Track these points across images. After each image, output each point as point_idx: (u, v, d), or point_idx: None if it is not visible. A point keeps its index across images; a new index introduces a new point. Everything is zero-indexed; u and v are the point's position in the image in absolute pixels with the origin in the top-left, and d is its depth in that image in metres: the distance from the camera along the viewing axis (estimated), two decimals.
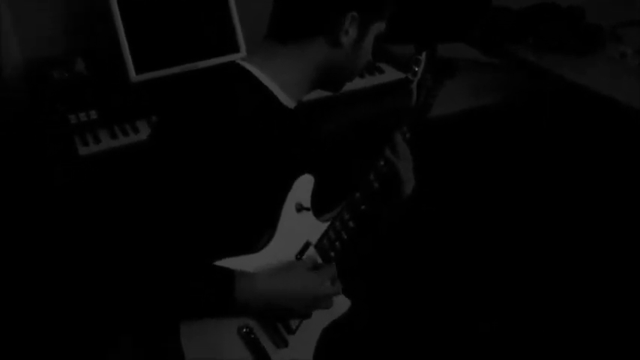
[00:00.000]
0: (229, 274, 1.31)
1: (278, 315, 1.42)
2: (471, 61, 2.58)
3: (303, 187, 1.46)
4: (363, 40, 1.41)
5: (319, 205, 1.51)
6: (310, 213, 1.48)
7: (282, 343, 1.43)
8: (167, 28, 2.34)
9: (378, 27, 1.42)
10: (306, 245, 1.46)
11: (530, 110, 2.48)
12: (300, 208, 1.45)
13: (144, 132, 2.14)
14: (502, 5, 2.56)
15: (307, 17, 1.38)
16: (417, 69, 1.59)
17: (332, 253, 1.51)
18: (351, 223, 1.53)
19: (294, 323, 1.45)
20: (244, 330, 1.37)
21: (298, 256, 1.45)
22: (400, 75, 2.37)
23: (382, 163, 1.56)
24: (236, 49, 2.35)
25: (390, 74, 2.41)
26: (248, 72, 1.39)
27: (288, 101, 1.42)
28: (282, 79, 1.40)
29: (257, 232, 1.41)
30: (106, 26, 2.30)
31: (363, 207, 1.55)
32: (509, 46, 2.47)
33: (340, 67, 1.42)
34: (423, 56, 1.60)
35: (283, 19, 1.40)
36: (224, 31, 2.38)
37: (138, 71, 2.29)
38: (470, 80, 2.48)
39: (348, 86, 2.28)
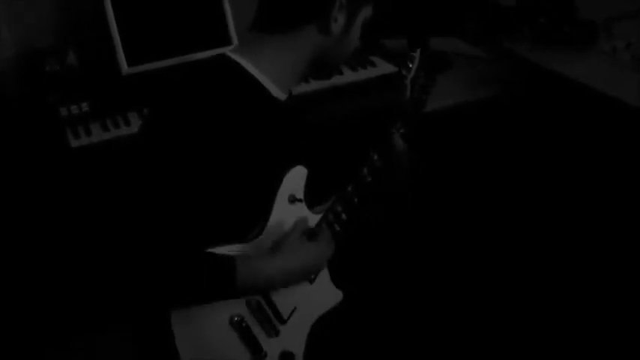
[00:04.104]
0: (229, 259, 1.31)
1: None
2: (464, 55, 2.58)
3: (296, 178, 1.46)
4: (351, 27, 1.40)
5: (312, 197, 1.51)
6: (303, 204, 1.48)
7: (273, 332, 1.43)
8: (159, 20, 2.33)
9: (365, 12, 1.42)
10: None
11: (524, 104, 2.48)
12: (292, 200, 1.45)
13: (135, 124, 2.13)
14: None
15: (296, 7, 1.37)
16: (411, 65, 1.59)
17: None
18: (343, 216, 1.53)
19: (285, 313, 1.45)
20: (236, 319, 1.37)
21: None
22: (392, 68, 2.38)
23: (376, 156, 1.56)
24: (228, 42, 2.35)
25: (382, 67, 2.41)
26: (238, 64, 1.38)
27: (278, 93, 1.42)
28: (272, 70, 1.40)
29: (249, 222, 1.41)
30: (97, 18, 2.29)
31: (355, 200, 1.55)
32: (502, 40, 2.48)
33: (330, 55, 1.42)
34: (418, 53, 1.60)
35: (272, 10, 1.40)
36: (216, 23, 2.37)
37: (130, 63, 2.28)
38: (463, 74, 2.48)
39: (341, 79, 2.34)
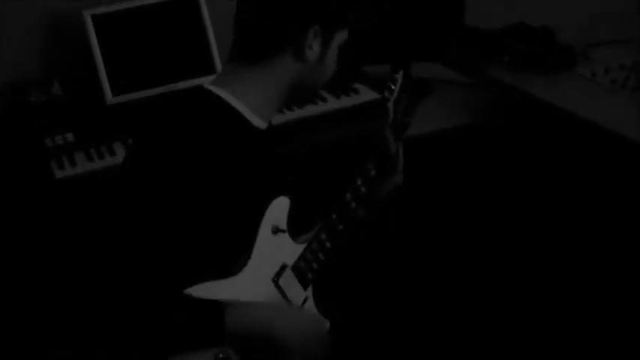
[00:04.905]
0: (217, 303, 1.31)
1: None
2: (445, 81, 2.61)
3: (279, 209, 1.46)
4: (327, 52, 1.41)
5: (296, 227, 1.52)
6: (287, 235, 1.48)
7: None
8: (143, 49, 2.35)
9: (341, 36, 1.43)
10: (283, 267, 1.47)
11: (506, 129, 2.51)
12: (276, 230, 1.45)
13: (120, 154, 2.14)
14: (476, 26, 2.60)
15: (271, 37, 1.38)
16: (393, 87, 1.60)
17: (309, 275, 1.52)
18: (328, 244, 1.54)
19: None
20: (221, 355, 1.36)
21: (275, 279, 1.45)
22: (375, 95, 2.39)
23: (359, 183, 1.57)
24: (212, 71, 2.36)
25: (366, 94, 2.42)
26: (217, 96, 1.39)
27: (259, 122, 1.43)
28: (251, 100, 1.41)
29: (233, 255, 1.41)
30: (82, 48, 2.30)
31: (340, 227, 1.56)
32: (483, 66, 2.50)
33: (308, 81, 1.43)
34: (400, 75, 1.61)
35: (247, 41, 1.41)
36: (200, 52, 2.39)
37: (114, 93, 2.29)
38: (444, 100, 2.51)
39: (325, 107, 2.35)
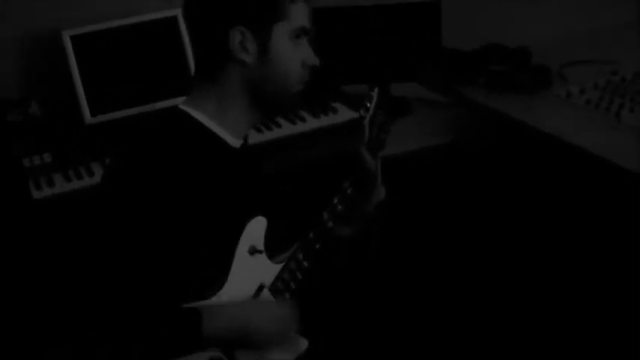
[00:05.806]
0: (192, 308, 1.31)
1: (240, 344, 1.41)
2: (422, 101, 2.63)
3: (256, 229, 1.46)
4: (268, 48, 1.37)
5: (273, 247, 1.52)
6: (264, 255, 1.48)
7: None
8: (122, 69, 2.35)
9: (285, 28, 1.38)
10: (260, 288, 1.47)
11: (482, 149, 2.53)
12: (253, 251, 1.45)
13: (98, 175, 2.13)
14: (452, 46, 2.63)
15: (205, 51, 1.40)
16: (369, 105, 1.60)
17: (286, 295, 1.52)
18: (305, 263, 1.54)
19: None
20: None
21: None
22: (354, 114, 2.41)
23: (336, 201, 1.58)
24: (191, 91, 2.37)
25: (344, 114, 2.44)
26: (190, 116, 1.40)
27: (232, 140, 1.44)
28: (221, 118, 1.41)
29: (210, 276, 1.41)
30: (61, 68, 2.30)
31: (317, 246, 1.56)
32: (459, 87, 2.53)
33: (263, 84, 1.40)
34: (375, 92, 1.61)
35: (197, 60, 1.44)
36: (179, 72, 2.40)
37: (93, 113, 2.30)
38: (421, 120, 2.53)
39: (303, 126, 2.36)
